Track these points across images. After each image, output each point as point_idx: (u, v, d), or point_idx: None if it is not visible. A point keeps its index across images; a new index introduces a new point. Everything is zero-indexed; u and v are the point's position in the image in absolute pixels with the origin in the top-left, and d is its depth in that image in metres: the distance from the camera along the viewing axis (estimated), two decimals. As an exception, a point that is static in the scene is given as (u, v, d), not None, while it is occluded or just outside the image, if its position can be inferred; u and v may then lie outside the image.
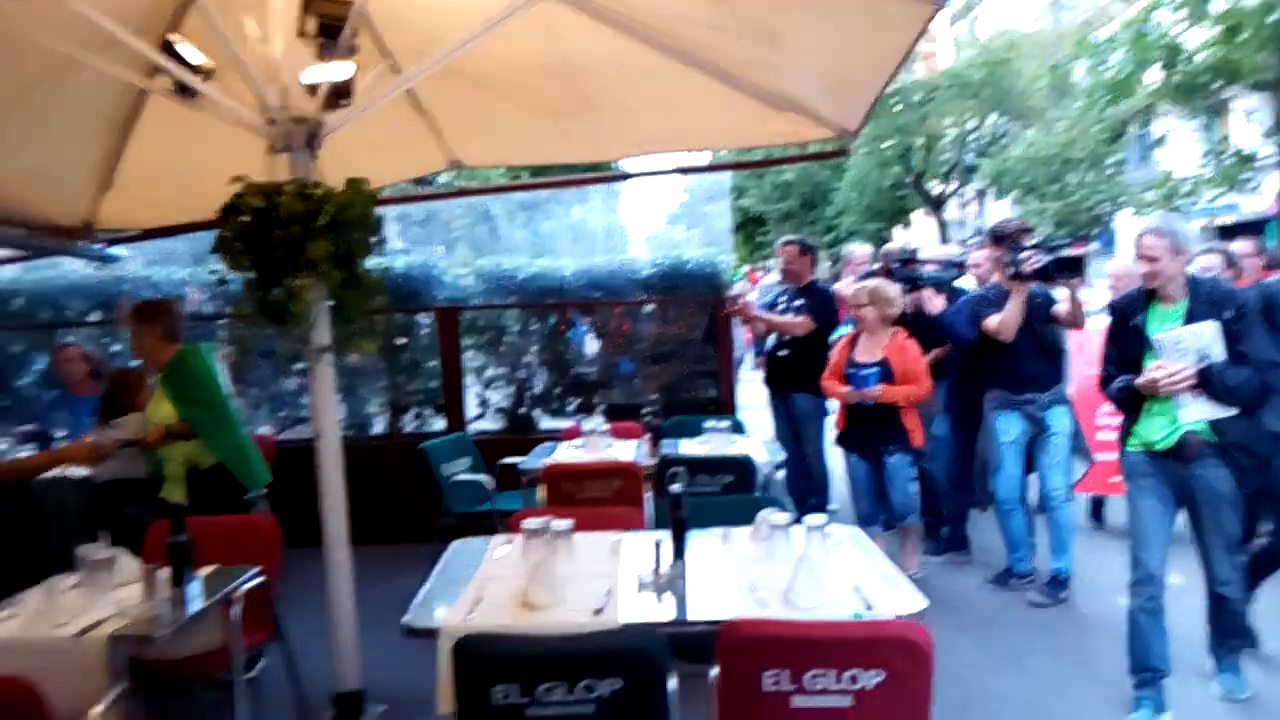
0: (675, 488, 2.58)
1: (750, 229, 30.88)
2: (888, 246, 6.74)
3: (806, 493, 5.62)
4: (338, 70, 3.63)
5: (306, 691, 3.48)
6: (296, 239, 3.31)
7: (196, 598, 2.65)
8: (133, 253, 6.51)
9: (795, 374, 5.54)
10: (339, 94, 3.70)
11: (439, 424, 6.35)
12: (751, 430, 5.48)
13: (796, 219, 28.10)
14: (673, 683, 2.17)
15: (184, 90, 3.57)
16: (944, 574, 5.00)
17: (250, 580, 2.94)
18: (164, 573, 2.61)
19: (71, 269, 6.98)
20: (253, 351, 5.62)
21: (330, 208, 3.36)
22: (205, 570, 2.87)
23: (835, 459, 5.52)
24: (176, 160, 5.04)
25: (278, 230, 3.31)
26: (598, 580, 2.54)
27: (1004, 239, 4.63)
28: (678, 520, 2.54)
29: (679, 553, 2.54)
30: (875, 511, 4.93)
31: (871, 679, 2.03)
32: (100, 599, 2.60)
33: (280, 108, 3.53)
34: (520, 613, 2.32)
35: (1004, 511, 4.67)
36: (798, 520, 2.68)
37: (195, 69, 3.57)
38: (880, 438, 4.72)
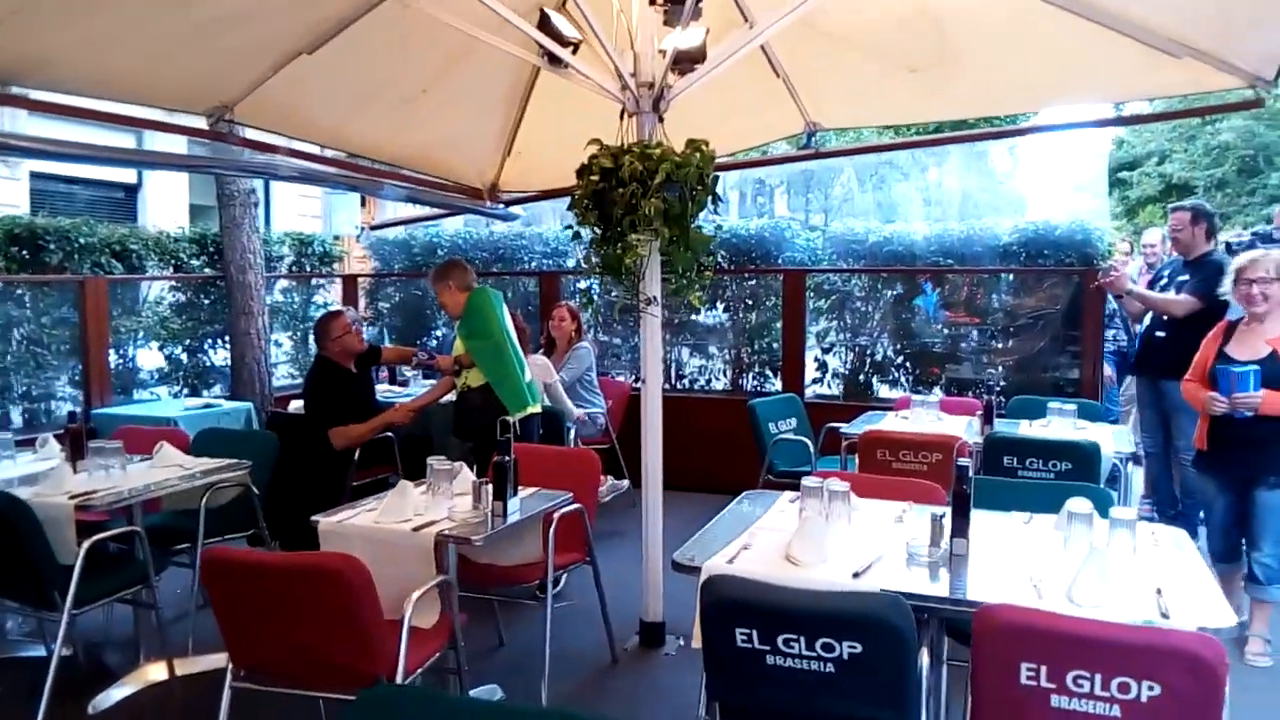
0: (962, 462, 2.46)
1: (1175, 198, 27.03)
2: None
3: (1171, 495, 4.96)
4: (688, 36, 3.84)
5: (618, 617, 3.81)
6: (634, 196, 3.56)
7: (515, 512, 3.03)
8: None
9: (1171, 359, 4.87)
10: (694, 59, 3.92)
11: (778, 384, 6.50)
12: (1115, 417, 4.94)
13: (1232, 187, 24.05)
14: (923, 658, 2.11)
15: (554, 60, 3.98)
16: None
17: (564, 505, 3.29)
18: (489, 488, 3.01)
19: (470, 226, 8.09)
20: (595, 304, 6.14)
21: (667, 166, 3.56)
22: (527, 491, 3.26)
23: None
24: (561, 128, 5.63)
25: (620, 189, 3.59)
26: (870, 546, 2.51)
27: None
28: (960, 495, 2.42)
29: (960, 530, 2.43)
30: (1230, 555, 3.89)
31: (1145, 691, 1.81)
32: (440, 503, 3.06)
33: (631, 74, 3.82)
34: (781, 565, 2.37)
35: None
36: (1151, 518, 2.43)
37: (564, 40, 3.95)
38: (1253, 463, 3.66)
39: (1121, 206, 24.96)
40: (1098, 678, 1.86)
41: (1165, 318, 5.02)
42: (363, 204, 16.23)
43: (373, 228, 8.66)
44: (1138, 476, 5.36)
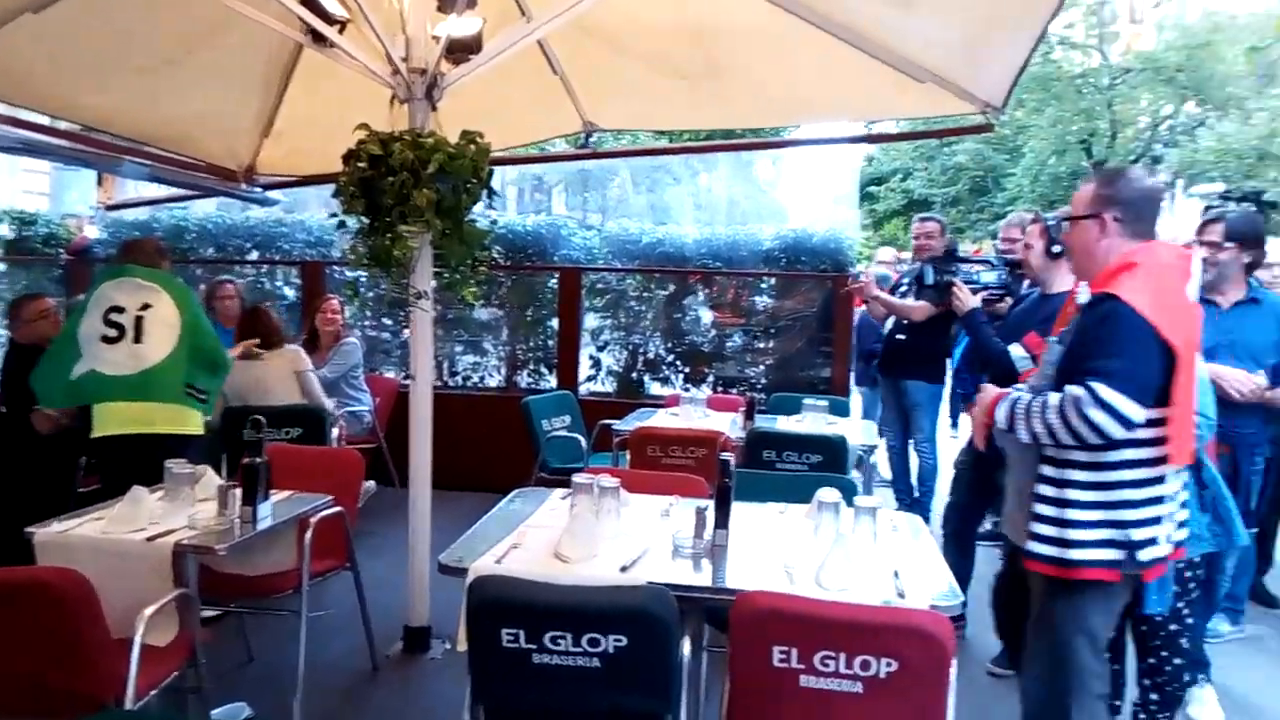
0: (724, 456, 2.56)
1: (916, 212, 29.63)
2: None
3: (909, 484, 5.43)
4: (464, 25, 3.75)
5: (381, 624, 3.67)
6: (405, 186, 3.43)
7: (266, 518, 2.82)
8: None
9: (911, 359, 5.34)
10: (469, 49, 3.82)
11: (553, 382, 6.52)
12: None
13: (964, 204, 26.75)
14: (685, 647, 2.17)
15: (318, 38, 3.75)
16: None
17: (322, 508, 3.11)
18: (238, 492, 2.79)
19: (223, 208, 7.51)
20: (358, 296, 5.91)
21: (440, 157, 3.45)
22: (280, 495, 3.05)
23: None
24: (327, 111, 5.34)
25: (390, 177, 3.43)
26: (638, 541, 2.55)
27: None
28: (722, 488, 2.52)
29: (722, 522, 2.52)
30: None
31: (884, 667, 1.96)
32: (179, 510, 2.79)
33: (402, 58, 3.67)
34: (551, 563, 2.36)
35: None
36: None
37: (330, 19, 3.73)
38: None
39: (870, 218, 27.13)
40: (842, 657, 1.99)
41: (905, 322, 5.47)
42: (99, 182, 14.76)
43: (109, 207, 7.84)
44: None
